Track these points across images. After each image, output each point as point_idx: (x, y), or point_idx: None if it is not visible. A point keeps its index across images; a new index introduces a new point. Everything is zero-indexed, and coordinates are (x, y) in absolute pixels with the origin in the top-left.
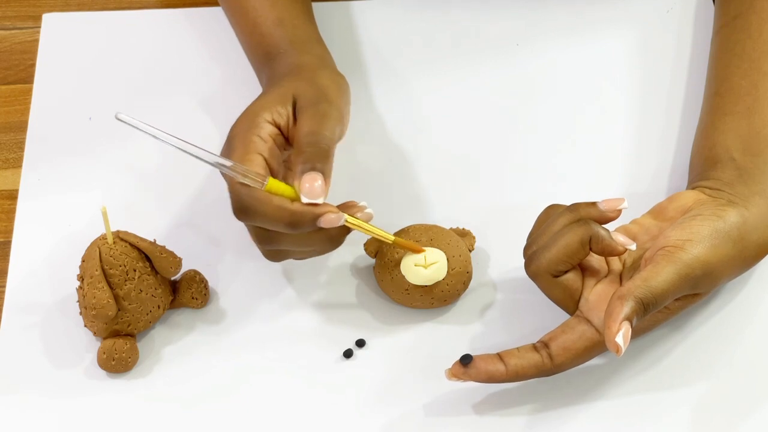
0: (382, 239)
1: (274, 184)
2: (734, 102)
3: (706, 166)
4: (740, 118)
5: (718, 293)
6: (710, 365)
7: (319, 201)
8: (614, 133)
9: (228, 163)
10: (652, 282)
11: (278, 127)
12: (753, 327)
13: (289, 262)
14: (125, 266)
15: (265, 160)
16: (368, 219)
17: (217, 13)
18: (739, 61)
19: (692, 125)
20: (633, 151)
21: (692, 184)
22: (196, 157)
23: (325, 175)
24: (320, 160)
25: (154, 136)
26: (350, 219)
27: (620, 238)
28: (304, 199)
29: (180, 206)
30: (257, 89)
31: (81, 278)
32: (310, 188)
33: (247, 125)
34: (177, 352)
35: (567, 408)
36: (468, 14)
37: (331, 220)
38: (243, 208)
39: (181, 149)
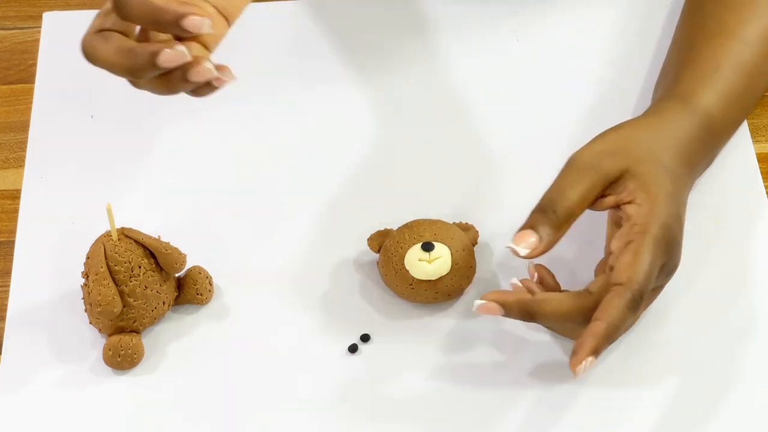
0: None
1: None
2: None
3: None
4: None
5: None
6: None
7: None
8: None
9: None
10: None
11: None
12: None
13: (293, 260)
14: (130, 263)
15: None
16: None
17: None
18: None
19: None
20: None
21: None
22: None
23: None
24: None
25: None
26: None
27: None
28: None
29: (184, 202)
30: (256, 88)
31: (86, 275)
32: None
33: None
34: (182, 348)
35: (572, 405)
36: (472, 8)
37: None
38: (89, 49)
39: None
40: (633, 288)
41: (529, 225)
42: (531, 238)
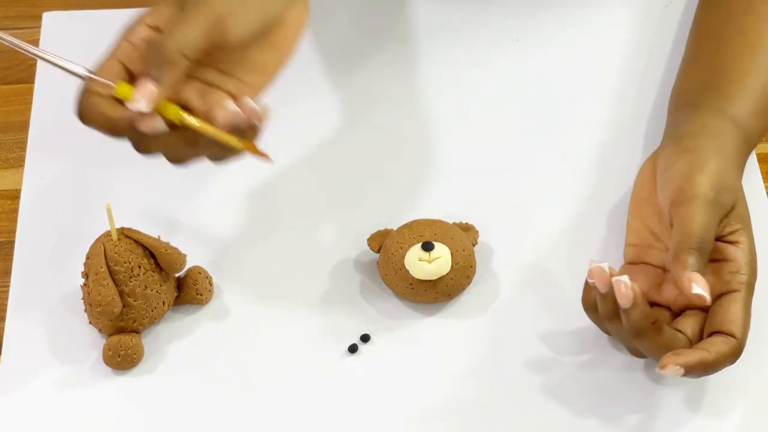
0: (225, 142)
1: (124, 89)
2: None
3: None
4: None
5: None
6: None
7: (143, 108)
8: (617, 127)
9: (81, 71)
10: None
11: (157, 28)
12: None
13: (293, 260)
14: (130, 263)
15: (125, 65)
16: (232, 119)
17: None
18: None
19: None
20: (638, 146)
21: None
22: (54, 64)
23: (162, 82)
24: (156, 65)
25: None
26: (188, 119)
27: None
28: (129, 105)
29: (184, 202)
30: None
31: (86, 275)
32: (137, 95)
33: (125, 30)
34: (182, 348)
35: (572, 404)
36: (472, 8)
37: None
38: (78, 112)
39: (41, 57)
40: (740, 341)
41: (699, 270)
42: (707, 284)
